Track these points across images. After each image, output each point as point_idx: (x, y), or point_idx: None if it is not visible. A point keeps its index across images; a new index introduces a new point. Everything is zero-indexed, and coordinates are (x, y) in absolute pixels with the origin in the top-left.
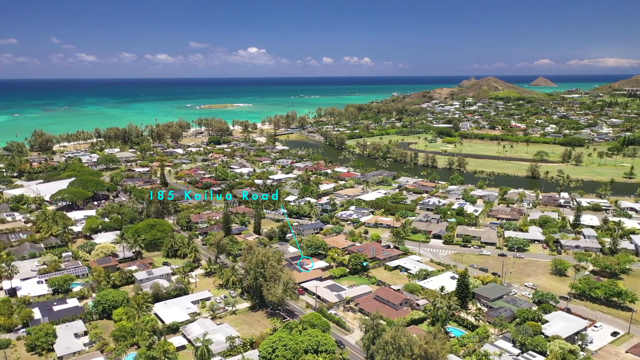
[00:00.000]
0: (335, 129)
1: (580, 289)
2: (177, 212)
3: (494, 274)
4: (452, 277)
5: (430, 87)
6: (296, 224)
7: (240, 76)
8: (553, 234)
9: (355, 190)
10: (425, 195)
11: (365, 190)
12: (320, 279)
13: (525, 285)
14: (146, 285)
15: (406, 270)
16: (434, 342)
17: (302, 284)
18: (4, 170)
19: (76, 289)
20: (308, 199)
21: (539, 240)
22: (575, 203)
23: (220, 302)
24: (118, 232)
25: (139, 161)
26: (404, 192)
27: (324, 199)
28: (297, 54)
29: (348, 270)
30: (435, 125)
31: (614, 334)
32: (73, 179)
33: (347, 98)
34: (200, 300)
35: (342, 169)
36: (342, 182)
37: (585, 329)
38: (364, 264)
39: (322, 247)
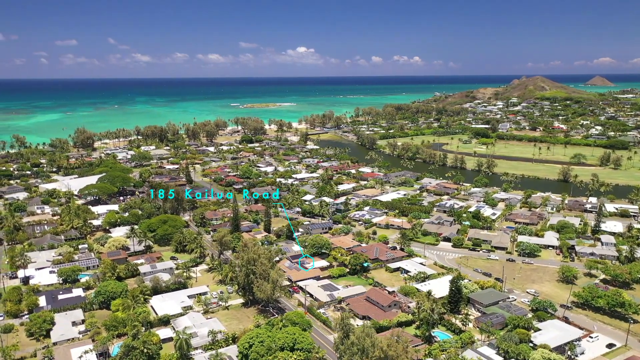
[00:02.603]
0: (370, 128)
1: (583, 297)
2: (194, 208)
3: (496, 279)
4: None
5: (481, 87)
6: (307, 222)
7: (288, 76)
8: (569, 239)
9: (374, 191)
10: (445, 197)
11: (385, 191)
12: (318, 278)
13: (527, 292)
14: (149, 279)
15: (406, 272)
16: (395, 345)
17: (298, 283)
18: (45, 165)
19: (84, 279)
20: (324, 198)
21: (553, 246)
22: (604, 208)
23: (215, 298)
24: (134, 226)
25: (170, 159)
26: (424, 194)
27: (342, 199)
28: (346, 53)
29: (347, 270)
30: (472, 126)
31: (610, 345)
32: (102, 174)
33: (390, 98)
34: (197, 294)
35: (366, 169)
36: (364, 183)
37: (579, 339)
38: (365, 264)
39: (324, 247)
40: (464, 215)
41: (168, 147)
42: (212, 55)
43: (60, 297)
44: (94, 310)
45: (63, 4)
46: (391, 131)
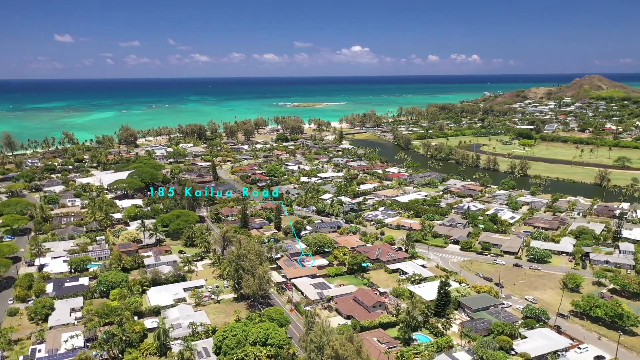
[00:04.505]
0: (409, 128)
1: (581, 307)
2: (213, 204)
3: (496, 284)
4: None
5: (536, 86)
6: (319, 221)
7: (342, 75)
8: (586, 246)
9: (394, 191)
10: (467, 199)
11: (406, 192)
12: (314, 276)
13: (525, 299)
14: (151, 271)
15: (404, 273)
16: (347, 345)
17: (292, 280)
18: (87, 160)
19: (93, 269)
20: (341, 197)
21: (567, 253)
22: (635, 214)
23: (208, 291)
24: (145, 220)
25: (204, 156)
26: (446, 195)
27: (360, 199)
28: (402, 52)
29: (345, 269)
30: (517, 127)
31: (598, 357)
32: (132, 170)
33: (440, 97)
34: (193, 287)
35: (393, 169)
36: (387, 183)
37: (565, 349)
38: (364, 264)
39: (326, 245)
40: (480, 218)
41: (205, 145)
42: (268, 55)
43: (66, 284)
44: (94, 299)
45: (125, 7)
46: (430, 131)
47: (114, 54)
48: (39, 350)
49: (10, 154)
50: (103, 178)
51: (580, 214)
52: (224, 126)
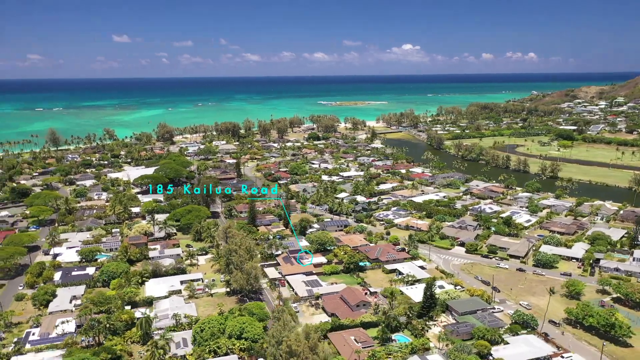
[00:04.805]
0: (446, 128)
1: (574, 314)
2: (230, 200)
3: (494, 288)
4: (440, 287)
5: (600, 84)
6: (328, 220)
7: (391, 74)
8: (598, 252)
9: (411, 192)
10: (487, 200)
11: (424, 192)
12: (309, 274)
13: (519, 304)
14: (153, 263)
15: (400, 274)
16: (301, 341)
17: (286, 276)
18: (123, 156)
19: (101, 259)
20: (357, 197)
21: (576, 258)
22: None
23: (202, 285)
24: (155, 214)
25: (233, 153)
26: (466, 197)
27: (376, 198)
28: (454, 50)
29: (341, 268)
30: (559, 127)
31: None
32: (158, 167)
33: (488, 96)
34: (190, 280)
35: (417, 170)
36: (408, 183)
37: (548, 357)
38: (362, 264)
39: (328, 244)
40: (494, 220)
41: (237, 143)
42: (318, 54)
43: (73, 273)
44: (97, 288)
45: (179, 7)
46: (467, 131)
47: (168, 53)
48: (33, 334)
49: (55, 149)
50: (130, 173)
51: (604, 219)
52: (258, 124)
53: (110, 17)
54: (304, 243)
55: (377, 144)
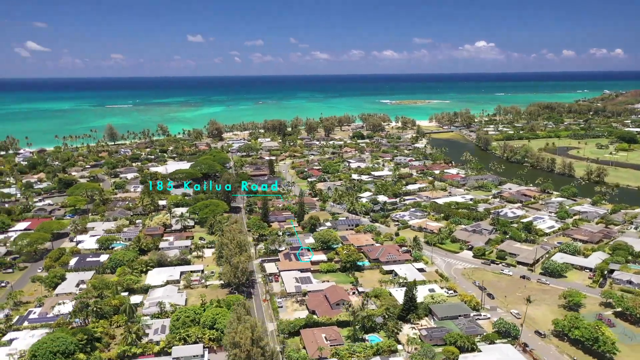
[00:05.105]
0: (498, 128)
1: (560, 326)
2: (254, 196)
3: (489, 294)
4: (431, 290)
5: None
6: (343, 218)
7: (463, 72)
8: (616, 263)
9: (438, 193)
10: (517, 205)
11: (452, 194)
12: (305, 271)
13: (510, 312)
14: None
15: (396, 275)
16: (244, 333)
17: (281, 272)
18: (170, 151)
19: (117, 248)
20: (379, 196)
21: (590, 268)
22: None
23: (198, 276)
24: (172, 208)
25: (274, 150)
26: (495, 200)
27: (398, 199)
28: (532, 47)
29: (338, 267)
30: (623, 129)
31: None
32: (193, 162)
33: (558, 96)
34: (190, 271)
35: (453, 171)
36: (439, 184)
37: None
38: (361, 263)
39: (331, 242)
40: (514, 225)
41: (281, 140)
42: (387, 52)
43: (88, 259)
44: (105, 274)
45: (249, 7)
46: (521, 132)
47: (240, 52)
48: (34, 313)
49: (112, 143)
50: (169, 167)
51: (638, 229)
52: (305, 122)
53: (184, 18)
54: (310, 240)
55: (422, 143)
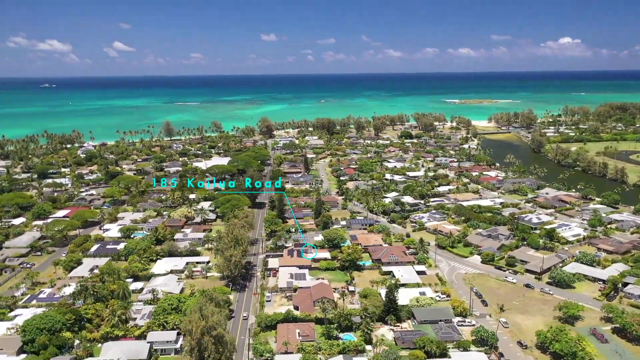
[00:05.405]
0: (559, 130)
1: (542, 338)
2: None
3: (483, 301)
4: (421, 293)
5: None
6: (361, 218)
7: (546, 70)
8: (634, 276)
9: (467, 195)
10: (549, 210)
11: (482, 197)
12: (303, 267)
13: (498, 320)
14: (179, 243)
15: (393, 276)
16: (197, 322)
17: (280, 267)
18: (218, 147)
19: (137, 237)
20: (404, 197)
21: (602, 280)
22: None
23: (201, 267)
24: (194, 202)
25: (317, 148)
26: (528, 204)
27: (424, 200)
28: (623, 43)
29: (337, 265)
30: None
31: None
32: (231, 158)
33: None
34: (195, 262)
35: (491, 173)
36: (474, 186)
37: None
38: (361, 263)
39: (336, 240)
40: (537, 231)
41: (327, 139)
42: (463, 49)
43: (108, 247)
44: (120, 261)
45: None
46: (584, 134)
47: (312, 50)
48: (43, 293)
49: (168, 138)
50: (208, 163)
51: None
52: (355, 121)
53: (258, 17)
54: (319, 238)
55: (471, 144)
